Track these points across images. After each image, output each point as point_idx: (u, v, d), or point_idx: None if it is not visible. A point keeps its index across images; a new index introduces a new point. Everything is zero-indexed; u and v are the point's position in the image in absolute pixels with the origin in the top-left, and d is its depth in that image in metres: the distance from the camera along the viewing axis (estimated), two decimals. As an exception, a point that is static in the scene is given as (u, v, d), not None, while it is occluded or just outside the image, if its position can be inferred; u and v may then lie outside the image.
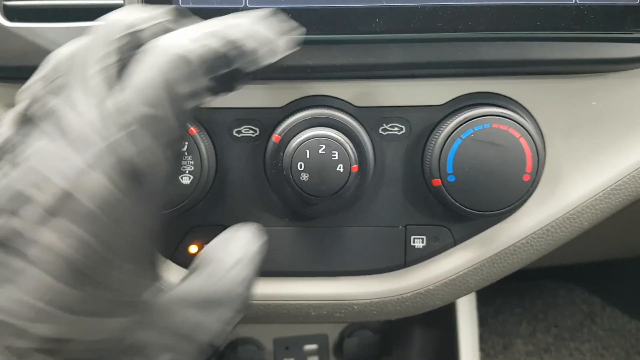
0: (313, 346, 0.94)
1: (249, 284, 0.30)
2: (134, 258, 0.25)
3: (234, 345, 0.91)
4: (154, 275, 0.28)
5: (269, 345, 0.94)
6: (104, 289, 0.24)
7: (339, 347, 0.94)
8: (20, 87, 0.48)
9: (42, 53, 0.46)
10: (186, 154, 0.46)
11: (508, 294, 1.32)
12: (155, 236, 0.26)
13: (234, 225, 0.33)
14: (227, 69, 0.28)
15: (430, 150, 0.47)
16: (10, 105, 0.48)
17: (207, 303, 0.28)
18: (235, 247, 0.30)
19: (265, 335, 0.93)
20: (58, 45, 0.46)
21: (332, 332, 0.95)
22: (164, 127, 0.25)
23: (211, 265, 0.29)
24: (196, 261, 0.30)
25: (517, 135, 0.46)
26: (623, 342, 1.26)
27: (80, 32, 0.46)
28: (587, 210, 0.50)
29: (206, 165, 0.47)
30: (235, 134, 0.49)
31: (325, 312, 0.53)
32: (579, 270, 1.28)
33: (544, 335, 1.27)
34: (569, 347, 1.25)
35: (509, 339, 1.26)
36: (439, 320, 0.92)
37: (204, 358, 0.28)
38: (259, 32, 0.29)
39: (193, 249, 0.52)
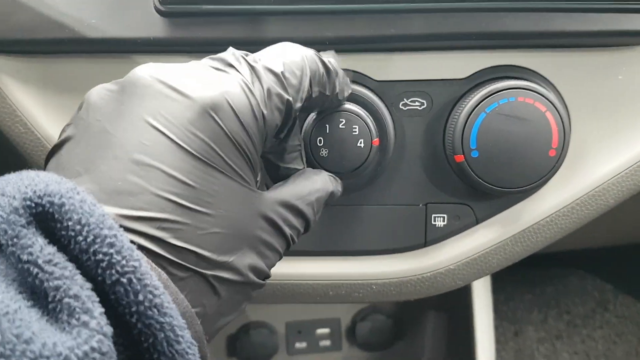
0: (325, 330, 0.94)
1: (317, 212, 0.36)
2: (252, 154, 0.31)
3: (246, 329, 0.91)
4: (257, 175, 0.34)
5: (281, 329, 0.93)
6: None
7: (351, 331, 0.94)
8: (30, 60, 0.47)
9: (52, 25, 0.45)
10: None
11: (519, 281, 1.31)
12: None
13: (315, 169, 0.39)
14: (330, 90, 0.36)
15: (452, 126, 0.46)
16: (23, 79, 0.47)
17: (292, 208, 0.34)
18: (317, 180, 0.37)
19: (278, 319, 0.93)
20: (68, 16, 0.45)
21: (345, 316, 0.94)
22: (299, 87, 0.33)
23: (297, 184, 0.36)
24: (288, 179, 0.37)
25: (543, 109, 0.44)
26: (636, 329, 1.25)
27: (91, 2, 0.45)
28: (613, 187, 0.49)
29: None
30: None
31: (343, 292, 0.52)
32: (590, 256, 1.27)
33: (555, 322, 1.26)
34: (581, 334, 1.24)
35: (520, 325, 1.25)
36: (452, 305, 0.91)
37: (275, 262, 0.33)
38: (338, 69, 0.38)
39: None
